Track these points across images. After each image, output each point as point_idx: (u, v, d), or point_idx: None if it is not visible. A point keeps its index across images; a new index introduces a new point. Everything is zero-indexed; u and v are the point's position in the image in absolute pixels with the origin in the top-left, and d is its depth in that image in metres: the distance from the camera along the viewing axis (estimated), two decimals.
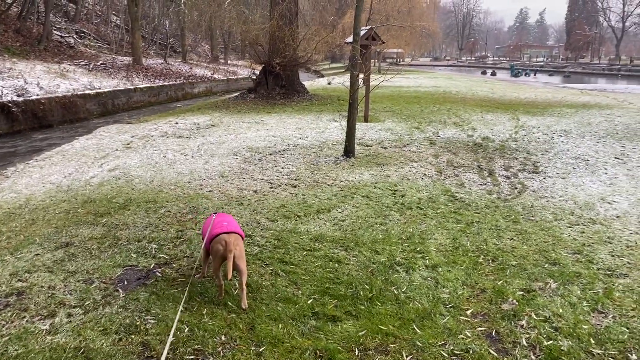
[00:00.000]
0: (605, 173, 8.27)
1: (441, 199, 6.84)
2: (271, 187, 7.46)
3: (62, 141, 12.83)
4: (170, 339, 3.09)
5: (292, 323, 3.71)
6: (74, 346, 3.41)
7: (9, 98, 15.45)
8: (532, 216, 6.12)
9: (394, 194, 7.07)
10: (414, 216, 6.10)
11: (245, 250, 4.87)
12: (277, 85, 20.28)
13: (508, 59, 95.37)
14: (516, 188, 7.45)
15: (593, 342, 3.47)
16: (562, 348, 3.39)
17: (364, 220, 5.92)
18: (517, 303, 3.97)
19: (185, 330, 3.59)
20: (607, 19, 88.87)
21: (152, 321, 3.72)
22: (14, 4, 26.78)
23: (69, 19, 32.67)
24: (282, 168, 8.64)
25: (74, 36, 29.36)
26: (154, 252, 5.02)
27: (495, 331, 3.61)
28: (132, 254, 4.96)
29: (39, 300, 4.03)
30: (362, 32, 12.00)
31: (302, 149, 10.26)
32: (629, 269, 4.62)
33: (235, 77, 37.07)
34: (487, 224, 5.79)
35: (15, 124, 15.19)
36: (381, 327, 3.64)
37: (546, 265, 4.68)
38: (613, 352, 3.36)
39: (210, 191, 7.29)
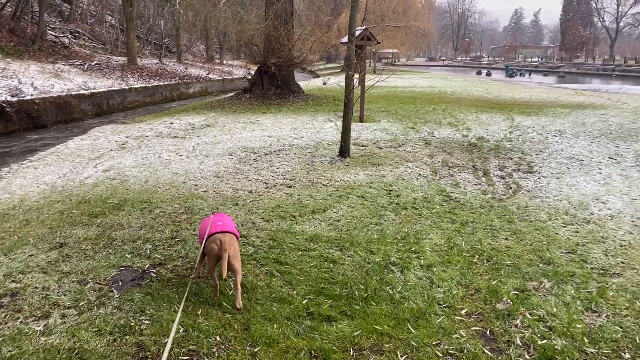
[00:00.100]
0: (599, 173, 8.31)
1: (436, 198, 6.86)
2: (266, 188, 7.46)
3: (56, 141, 12.77)
4: (170, 342, 3.09)
5: (287, 323, 3.71)
6: (68, 347, 3.40)
7: (2, 98, 15.37)
8: (527, 216, 6.14)
9: (389, 194, 7.08)
10: (409, 216, 6.12)
11: (241, 250, 4.87)
12: (272, 86, 20.27)
13: (503, 59, 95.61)
14: (511, 188, 7.48)
15: (587, 341, 3.48)
16: (556, 347, 3.41)
17: (359, 220, 5.93)
18: (511, 302, 3.99)
19: (180, 331, 3.59)
20: (601, 20, 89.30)
21: (147, 322, 3.72)
22: (8, 4, 26.66)
23: (63, 19, 32.54)
24: (278, 168, 8.64)
25: (69, 36, 29.25)
26: (148, 252, 5.01)
27: (490, 330, 3.63)
28: (126, 255, 4.94)
29: (33, 301, 4.02)
30: (357, 32, 12.02)
31: (298, 149, 10.26)
32: (623, 268, 4.65)
33: (231, 77, 37.00)
34: (482, 224, 5.81)
35: (9, 124, 15.11)
36: (376, 326, 3.65)
37: (540, 265, 4.70)
38: (606, 351, 3.37)
39: (205, 191, 7.28)
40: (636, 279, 4.40)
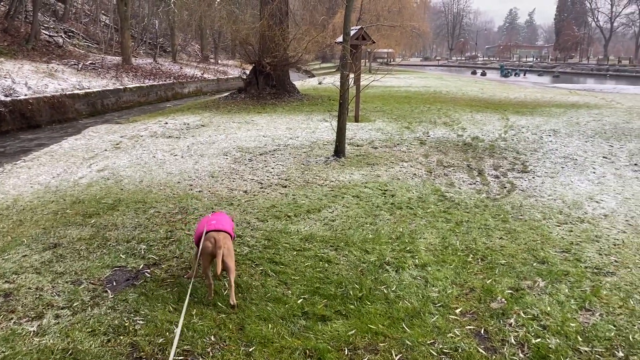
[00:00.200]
0: (594, 172, 8.35)
1: (431, 198, 6.87)
2: (261, 187, 7.45)
3: (50, 141, 12.72)
4: (175, 348, 3.08)
5: (282, 323, 3.71)
6: (62, 347, 3.39)
7: None
8: (521, 215, 6.16)
9: (384, 193, 7.09)
10: (404, 216, 6.12)
11: (236, 250, 4.87)
12: (267, 85, 20.25)
13: (498, 59, 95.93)
14: (505, 187, 7.50)
15: (580, 339, 3.50)
16: (550, 346, 3.42)
17: (354, 220, 5.93)
18: (505, 302, 4.00)
19: (174, 331, 3.58)
20: (595, 20, 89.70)
21: (141, 322, 3.71)
22: (2, 3, 26.54)
23: (57, 19, 32.39)
24: (273, 168, 8.63)
25: (63, 36, 29.12)
26: (143, 252, 5.00)
27: (484, 330, 3.64)
28: (121, 255, 4.93)
29: (27, 302, 4.00)
30: (352, 32, 12.02)
31: (293, 149, 10.26)
32: (616, 267, 4.67)
33: (226, 76, 36.94)
34: (477, 223, 5.82)
35: (2, 124, 15.02)
36: (371, 326, 3.65)
37: (535, 264, 4.71)
38: (600, 350, 3.39)
39: (200, 191, 7.27)
40: (630, 278, 4.42)
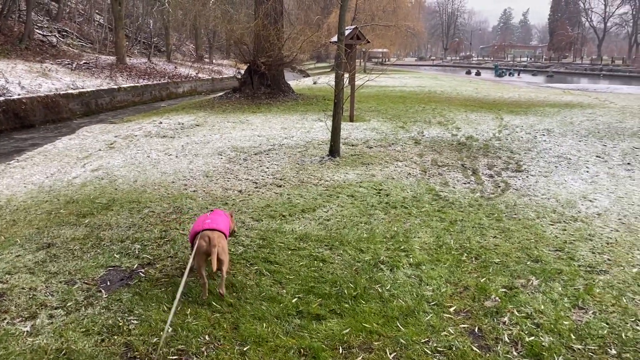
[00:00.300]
0: (587, 171, 8.39)
1: (425, 197, 6.88)
2: (256, 187, 7.44)
3: (44, 141, 12.67)
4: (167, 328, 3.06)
5: (277, 322, 3.71)
6: (56, 348, 3.38)
7: None
8: (515, 214, 6.18)
9: (379, 193, 7.10)
10: (399, 215, 6.13)
11: (230, 250, 4.87)
12: (262, 85, 20.24)
13: (492, 58, 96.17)
14: (499, 186, 7.53)
15: (573, 337, 3.52)
16: (543, 344, 3.44)
17: (348, 220, 5.94)
18: (499, 300, 4.02)
19: (169, 331, 3.57)
20: (589, 20, 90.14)
21: (135, 322, 3.70)
22: None
23: (51, 18, 32.25)
24: (267, 168, 8.63)
25: (56, 35, 29.00)
26: (137, 252, 4.99)
27: (478, 328, 3.65)
28: (115, 255, 4.92)
29: (20, 302, 3.98)
30: (347, 32, 12.02)
31: (288, 149, 10.26)
32: (609, 265, 4.69)
33: (220, 76, 36.90)
34: (471, 222, 5.84)
35: None
36: (365, 325, 3.66)
37: (528, 263, 4.73)
38: (593, 347, 3.41)
39: (194, 191, 7.25)
40: (622, 276, 4.45)
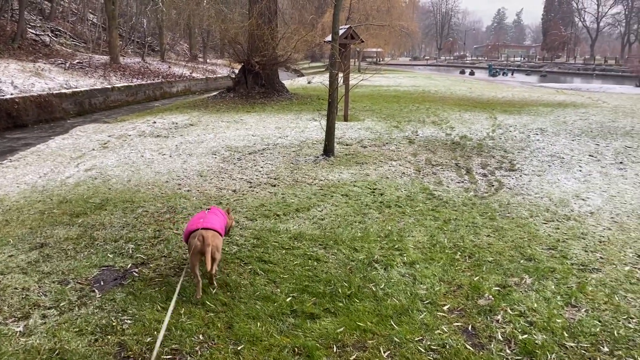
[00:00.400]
0: (580, 170, 8.43)
1: (419, 197, 6.90)
2: (250, 187, 7.44)
3: (37, 141, 12.60)
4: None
5: (271, 321, 3.71)
6: (49, 348, 3.37)
7: None
8: (508, 213, 6.21)
9: (373, 192, 7.11)
10: (393, 214, 6.15)
11: (224, 249, 4.87)
12: (256, 84, 20.20)
13: (486, 58, 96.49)
14: (493, 186, 7.55)
15: (566, 335, 3.54)
16: (536, 342, 3.45)
17: (343, 219, 5.95)
18: (493, 298, 4.03)
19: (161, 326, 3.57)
20: (582, 20, 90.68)
21: (129, 321, 3.69)
22: None
23: (44, 17, 32.07)
24: (262, 167, 8.62)
25: (50, 34, 28.84)
26: (131, 252, 4.97)
27: (472, 326, 3.66)
28: (108, 254, 4.90)
29: (13, 302, 3.96)
30: (341, 31, 12.03)
31: (282, 148, 10.25)
32: (602, 263, 4.72)
33: (214, 76, 36.83)
34: (464, 221, 5.86)
35: None
36: (359, 323, 3.66)
37: (522, 261, 4.76)
38: (585, 345, 3.43)
39: (188, 191, 7.24)
40: (615, 274, 4.48)
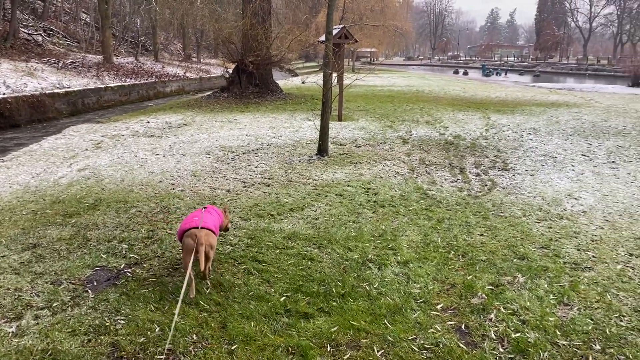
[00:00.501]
0: (573, 170, 8.48)
1: (413, 196, 6.91)
2: (244, 186, 7.43)
3: (30, 141, 12.53)
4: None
5: (265, 321, 3.71)
6: (42, 348, 3.35)
7: None
8: (502, 212, 6.23)
9: (367, 192, 7.12)
10: (387, 213, 6.16)
11: (218, 249, 4.86)
12: (250, 84, 20.18)
13: (480, 58, 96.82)
14: (486, 185, 7.58)
15: (559, 333, 3.56)
16: (529, 340, 3.47)
17: (337, 218, 5.95)
18: (486, 297, 4.05)
19: (156, 330, 3.56)
20: (574, 20, 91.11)
21: (122, 322, 3.68)
22: None
23: (36, 16, 31.89)
24: (256, 167, 8.61)
25: (42, 34, 28.69)
26: (124, 252, 4.96)
27: (465, 325, 3.68)
28: (101, 255, 4.88)
29: (5, 303, 3.94)
30: (335, 31, 12.04)
31: (276, 148, 10.25)
32: (594, 262, 4.75)
33: (208, 75, 36.75)
34: (458, 221, 5.88)
35: None
36: (353, 322, 3.67)
37: (515, 260, 4.78)
38: (578, 343, 3.45)
39: (182, 190, 7.22)
40: (607, 273, 4.50)
